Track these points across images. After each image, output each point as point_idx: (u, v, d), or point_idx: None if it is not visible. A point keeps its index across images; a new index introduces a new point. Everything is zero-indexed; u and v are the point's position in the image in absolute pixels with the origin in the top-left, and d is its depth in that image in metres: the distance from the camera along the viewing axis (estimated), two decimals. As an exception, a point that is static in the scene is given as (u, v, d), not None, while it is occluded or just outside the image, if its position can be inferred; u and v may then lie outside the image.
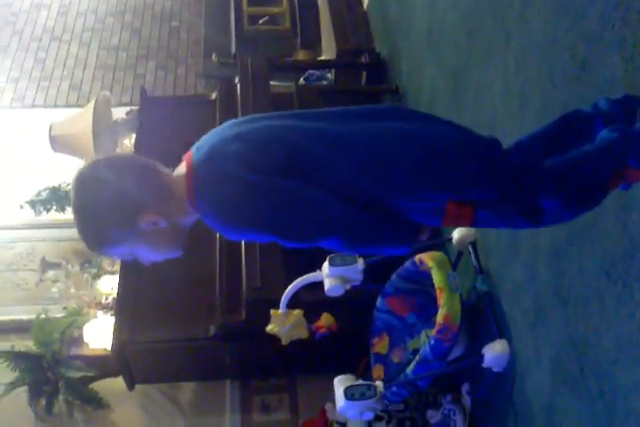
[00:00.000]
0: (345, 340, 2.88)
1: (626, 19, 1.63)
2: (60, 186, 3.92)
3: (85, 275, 3.72)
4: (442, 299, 2.36)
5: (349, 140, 1.31)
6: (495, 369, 2.30)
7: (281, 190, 1.25)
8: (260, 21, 4.97)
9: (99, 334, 3.32)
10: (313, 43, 4.86)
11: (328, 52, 4.57)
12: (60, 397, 3.29)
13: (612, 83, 1.69)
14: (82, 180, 1.30)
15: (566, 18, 1.91)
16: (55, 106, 4.79)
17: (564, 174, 1.36)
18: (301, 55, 4.69)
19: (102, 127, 3.89)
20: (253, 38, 4.89)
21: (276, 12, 5.04)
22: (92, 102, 3.98)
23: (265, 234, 1.29)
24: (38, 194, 3.93)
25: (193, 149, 1.36)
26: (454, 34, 2.87)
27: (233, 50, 4.67)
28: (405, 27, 3.62)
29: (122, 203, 1.27)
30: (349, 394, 2.24)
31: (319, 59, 4.51)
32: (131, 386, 3.16)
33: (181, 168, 1.33)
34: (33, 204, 3.92)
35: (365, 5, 4.43)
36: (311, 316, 2.70)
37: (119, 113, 4.13)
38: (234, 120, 1.41)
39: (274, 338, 2.64)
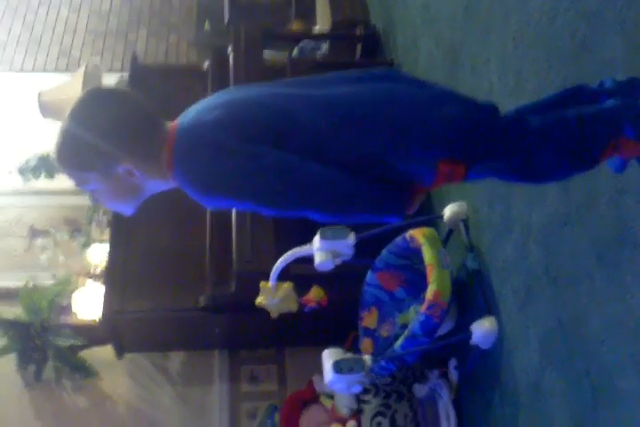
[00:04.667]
0: (334, 313, 2.89)
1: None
2: (48, 153, 3.87)
3: (74, 243, 3.70)
4: (431, 275, 2.38)
5: (336, 102, 1.30)
6: (483, 346, 2.32)
7: (261, 156, 1.23)
8: (255, -11, 4.87)
9: (88, 303, 3.32)
10: (307, 13, 4.78)
11: (323, 22, 4.50)
12: (49, 364, 3.30)
13: (611, 63, 1.68)
14: (99, 97, 1.30)
15: (568, -4, 1.89)
16: (44, 71, 4.71)
17: (558, 130, 1.35)
18: (295, 25, 4.62)
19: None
20: (247, 7, 4.80)
21: (271, -20, 4.94)
22: (82, 68, 3.92)
23: (243, 201, 1.27)
24: (27, 161, 3.89)
25: (179, 117, 1.35)
26: (451, 8, 2.83)
27: (226, 18, 4.59)
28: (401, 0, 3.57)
29: (117, 139, 1.26)
30: (338, 368, 2.26)
31: (314, 29, 4.44)
32: (119, 355, 3.18)
33: (168, 133, 1.32)
34: (22, 170, 3.88)
35: (362, -25, 4.35)
36: (301, 289, 2.71)
37: (109, 80, 4.06)
38: (222, 90, 1.40)
39: (263, 310, 2.66)
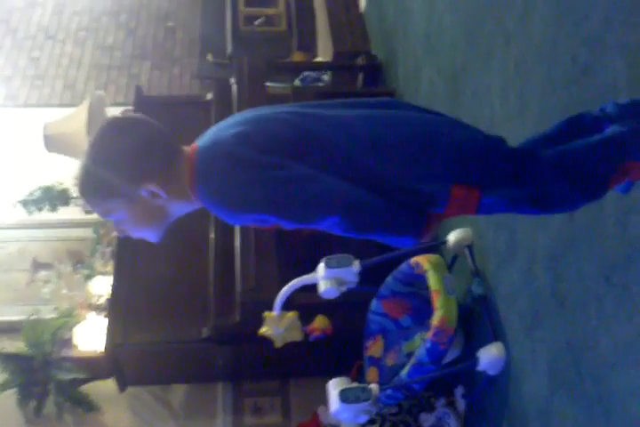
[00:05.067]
0: (339, 342, 2.86)
1: (629, 23, 1.62)
2: (53, 186, 3.89)
3: (77, 276, 3.69)
4: (437, 302, 2.36)
5: (352, 122, 1.32)
6: (490, 373, 2.29)
7: (284, 167, 1.24)
8: (257, 22, 4.96)
9: (90, 336, 3.29)
10: (309, 44, 4.85)
11: (324, 54, 4.56)
12: (51, 398, 3.25)
13: (613, 88, 1.68)
14: (117, 124, 1.31)
15: (568, 21, 1.90)
16: (49, 105, 4.75)
17: (569, 159, 1.35)
18: (297, 57, 4.68)
19: (97, 127, 3.86)
20: (249, 39, 4.88)
21: (273, 13, 5.03)
22: (87, 102, 3.96)
23: (265, 214, 1.26)
24: (31, 193, 3.90)
25: (198, 139, 1.36)
26: (453, 36, 2.87)
27: (229, 50, 4.66)
28: (403, 29, 3.61)
29: (138, 161, 1.26)
30: (344, 397, 2.22)
31: (315, 60, 4.49)
32: (122, 388, 3.13)
33: (188, 154, 1.32)
34: (25, 203, 3.88)
35: (362, 8, 4.43)
36: (305, 318, 2.68)
37: (114, 113, 4.10)
38: (237, 113, 1.41)
39: (267, 341, 2.63)
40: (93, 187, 1.28)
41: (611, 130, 1.43)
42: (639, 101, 1.51)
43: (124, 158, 1.26)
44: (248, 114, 1.37)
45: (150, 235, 1.37)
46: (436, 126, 1.35)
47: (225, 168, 1.26)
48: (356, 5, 4.47)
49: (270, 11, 5.08)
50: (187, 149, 1.34)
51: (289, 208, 1.25)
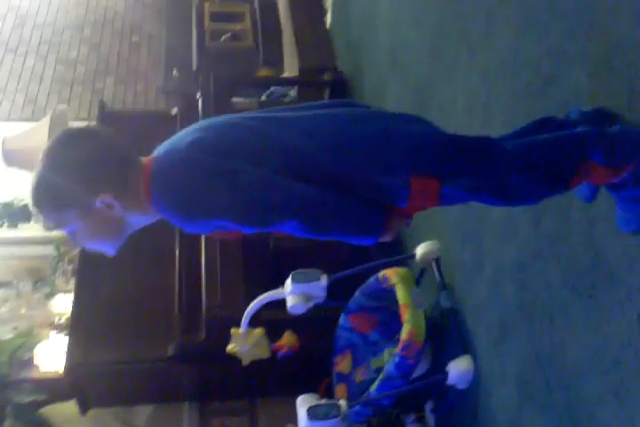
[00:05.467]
0: (307, 359, 2.82)
1: (589, 34, 1.64)
2: (12, 201, 3.80)
3: (38, 294, 3.60)
4: (406, 315, 2.34)
5: (306, 123, 1.32)
6: (460, 386, 2.27)
7: (240, 172, 1.22)
8: (223, 38, 4.94)
9: (51, 356, 3.20)
10: (275, 60, 4.85)
11: (290, 69, 4.56)
12: (8, 422, 3.14)
13: (576, 97, 1.69)
14: (72, 135, 1.29)
15: (530, 33, 1.92)
16: (9, 119, 4.66)
17: (530, 150, 1.35)
18: (263, 72, 4.66)
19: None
20: (215, 54, 4.85)
21: (239, 28, 5.02)
22: (49, 116, 3.89)
23: (223, 219, 1.25)
24: (-11, 210, 3.81)
25: (154, 151, 1.33)
26: (418, 50, 2.88)
27: (194, 66, 4.63)
28: (368, 45, 3.63)
29: (92, 170, 1.24)
30: (312, 414, 2.19)
31: (282, 76, 4.49)
32: (84, 410, 3.04)
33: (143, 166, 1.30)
34: (-17, 220, 3.79)
35: (328, 24, 4.44)
36: (273, 334, 2.64)
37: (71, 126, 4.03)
38: (194, 124, 1.39)
39: (234, 358, 2.58)
40: (46, 197, 1.25)
41: (574, 129, 1.44)
42: (601, 109, 1.52)
43: (77, 168, 1.23)
44: (203, 122, 1.36)
45: (106, 247, 1.33)
46: (392, 120, 1.36)
47: (180, 174, 1.24)
48: (322, 21, 4.49)
49: (237, 26, 5.07)
50: (145, 158, 1.31)
51: (246, 213, 1.23)
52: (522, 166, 1.32)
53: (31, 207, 1.29)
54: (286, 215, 1.22)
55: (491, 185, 1.33)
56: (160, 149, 1.32)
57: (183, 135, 1.32)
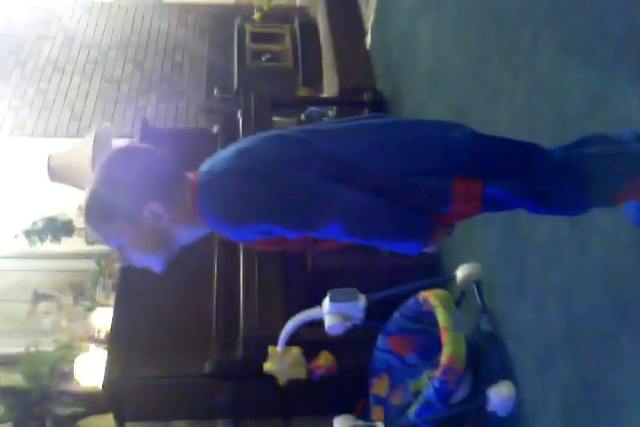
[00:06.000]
0: (344, 380, 2.80)
1: (639, 55, 1.62)
2: (56, 216, 3.88)
3: (78, 307, 3.65)
4: (446, 339, 2.31)
5: (348, 131, 1.35)
6: (500, 413, 2.22)
7: (285, 176, 1.26)
8: (263, 58, 5.00)
9: (90, 369, 3.23)
10: (314, 80, 4.89)
11: (329, 89, 4.59)
12: (47, 434, 3.18)
13: (625, 119, 1.67)
14: (121, 152, 1.33)
15: (577, 54, 1.90)
16: (55, 135, 4.77)
17: (578, 161, 1.35)
18: (302, 92, 4.71)
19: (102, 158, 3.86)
20: (255, 74, 4.92)
21: (279, 49, 5.09)
22: (93, 133, 3.96)
23: (269, 223, 1.27)
24: (34, 224, 3.88)
25: (201, 165, 1.38)
26: (459, 72, 2.88)
27: (235, 85, 4.70)
28: (408, 66, 3.64)
29: (142, 183, 1.27)
30: (350, 435, 2.17)
31: (321, 96, 4.52)
32: (120, 424, 3.06)
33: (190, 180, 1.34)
34: (28, 234, 3.86)
35: (368, 45, 4.47)
36: (310, 354, 2.63)
37: (120, 144, 4.10)
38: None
39: (270, 377, 2.57)
40: (96, 209, 1.29)
41: (626, 145, 1.42)
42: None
43: (127, 182, 1.27)
44: (246, 138, 1.40)
45: (154, 262, 1.35)
46: (433, 125, 1.39)
47: (226, 181, 1.28)
48: (362, 43, 4.52)
49: (277, 47, 5.13)
50: (190, 175, 1.35)
51: (292, 215, 1.25)
52: (566, 174, 1.32)
53: (83, 221, 1.34)
54: (331, 216, 1.24)
55: (533, 189, 1.32)
56: (207, 163, 1.36)
57: (229, 148, 1.36)
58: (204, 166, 1.35)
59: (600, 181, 1.33)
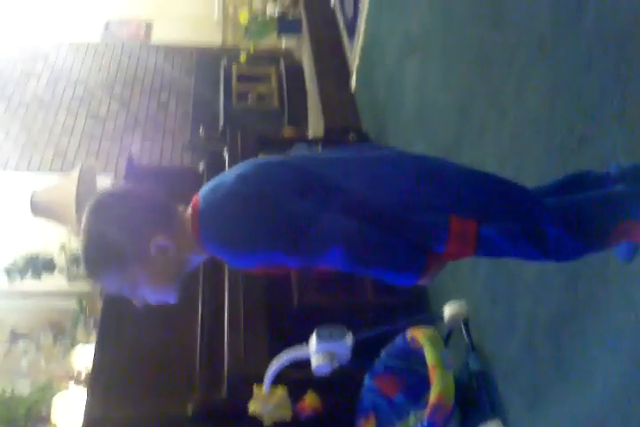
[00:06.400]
0: (330, 421, 2.74)
1: (625, 93, 1.66)
2: (38, 253, 3.83)
3: (58, 347, 3.56)
4: (435, 377, 2.28)
5: (348, 162, 1.35)
6: (490, 453, 2.19)
7: (284, 203, 1.26)
8: (249, 98, 5.06)
9: (69, 411, 3.14)
10: (300, 120, 4.95)
11: (315, 129, 4.64)
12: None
13: (612, 154, 1.70)
14: (103, 200, 1.30)
15: (563, 93, 1.95)
16: (39, 171, 4.75)
17: (569, 206, 1.36)
18: (288, 132, 4.75)
19: (86, 194, 3.84)
20: (241, 114, 4.97)
21: (265, 89, 5.15)
22: (77, 169, 3.95)
23: (271, 250, 1.26)
24: (15, 261, 3.83)
25: (200, 190, 1.37)
26: (445, 112, 2.92)
27: (221, 124, 4.74)
28: (394, 107, 3.70)
29: (140, 221, 1.26)
30: (338, 477, 2.11)
31: (307, 135, 4.56)
32: (99, 468, 2.96)
33: (189, 207, 1.33)
34: (8, 271, 3.80)
35: (354, 86, 4.54)
36: (295, 393, 2.59)
37: (104, 181, 4.09)
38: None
39: (255, 419, 2.52)
40: (102, 260, 1.28)
41: (613, 187, 1.45)
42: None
43: (124, 222, 1.26)
44: (247, 162, 1.39)
45: (168, 295, 1.34)
46: (433, 160, 1.39)
47: (226, 208, 1.28)
48: (348, 84, 4.59)
49: (263, 88, 5.20)
50: (182, 208, 1.34)
51: (294, 243, 1.25)
52: (561, 221, 1.32)
53: (88, 275, 1.31)
54: (331, 244, 1.23)
55: (529, 232, 1.32)
56: (206, 187, 1.35)
57: (228, 173, 1.35)
58: (205, 190, 1.34)
59: (593, 227, 1.34)
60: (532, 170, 2.12)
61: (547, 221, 1.32)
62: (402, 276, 1.29)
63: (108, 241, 1.25)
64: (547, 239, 1.32)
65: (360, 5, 4.31)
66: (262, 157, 1.42)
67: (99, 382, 2.92)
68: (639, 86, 1.61)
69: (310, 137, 4.56)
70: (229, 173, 1.34)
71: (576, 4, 1.89)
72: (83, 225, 1.28)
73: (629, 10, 1.66)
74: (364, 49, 4.30)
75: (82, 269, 1.36)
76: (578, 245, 1.37)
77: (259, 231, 1.25)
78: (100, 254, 1.27)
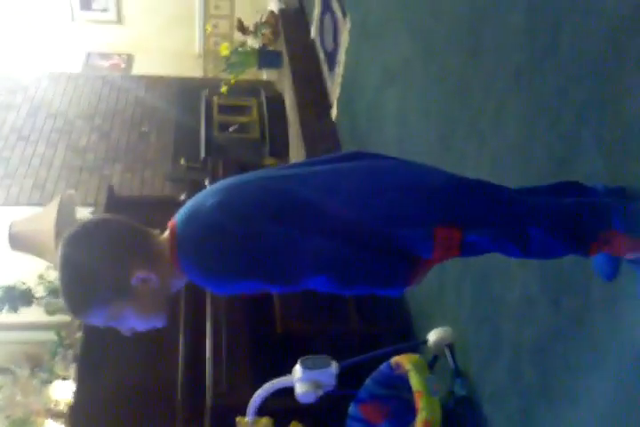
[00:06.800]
0: (315, 451, 2.70)
1: (602, 118, 1.70)
2: (15, 285, 3.77)
3: (35, 380, 3.49)
4: (420, 403, 2.26)
5: (323, 178, 1.34)
6: (478, 480, 2.17)
7: (263, 233, 1.24)
8: (230, 129, 5.09)
9: (45, 446, 3.06)
10: (281, 151, 4.98)
11: (296, 159, 4.67)
12: None
13: (592, 179, 1.72)
14: (75, 237, 1.27)
15: (542, 119, 1.98)
16: (17, 204, 4.71)
17: (553, 209, 1.37)
18: (269, 162, 4.78)
19: (65, 225, 3.80)
20: (222, 145, 4.99)
21: (246, 120, 5.19)
22: (57, 200, 3.92)
23: (251, 280, 1.26)
24: (-9, 292, 3.76)
25: (177, 213, 1.35)
26: (425, 140, 2.96)
27: (202, 155, 4.75)
28: (375, 135, 3.73)
29: (118, 257, 1.24)
30: None
31: (287, 165, 4.59)
32: None
33: (166, 234, 1.31)
34: (-18, 304, 3.74)
35: (334, 116, 4.59)
36: (280, 424, 2.55)
37: (83, 213, 4.06)
38: (214, 183, 1.41)
39: (239, 450, 2.47)
40: (85, 297, 1.25)
41: (601, 198, 1.48)
42: (624, 189, 1.55)
43: (101, 253, 1.25)
44: (221, 184, 1.38)
45: (158, 318, 1.32)
46: (411, 170, 1.38)
47: (206, 240, 1.26)
48: (329, 114, 4.64)
49: (244, 118, 5.23)
50: (157, 232, 1.33)
51: (273, 274, 1.25)
52: (544, 221, 1.34)
53: (72, 313, 1.30)
54: (314, 272, 1.23)
55: (512, 234, 1.33)
56: (181, 214, 1.33)
57: (203, 197, 1.33)
58: (181, 216, 1.32)
59: (576, 230, 1.36)
60: (512, 194, 2.15)
61: (531, 222, 1.33)
62: (389, 290, 1.30)
63: (88, 277, 1.24)
64: (529, 240, 1.34)
65: (340, 37, 4.38)
66: (234, 178, 1.39)
67: (79, 416, 2.86)
68: (615, 110, 1.65)
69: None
70: (204, 198, 1.32)
71: (551, 33, 1.94)
72: (59, 260, 1.26)
73: (603, 37, 1.71)
74: (344, 79, 4.36)
75: (61, 303, 1.33)
76: (560, 246, 1.38)
77: (240, 264, 1.24)
78: (81, 292, 1.25)
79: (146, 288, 1.26)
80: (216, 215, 1.27)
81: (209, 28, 6.29)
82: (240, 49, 5.32)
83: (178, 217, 1.33)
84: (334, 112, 4.61)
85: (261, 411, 2.41)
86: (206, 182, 3.79)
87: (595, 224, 1.37)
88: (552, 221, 1.35)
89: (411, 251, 1.28)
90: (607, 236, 1.36)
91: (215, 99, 5.32)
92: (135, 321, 1.30)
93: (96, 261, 1.24)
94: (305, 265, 1.23)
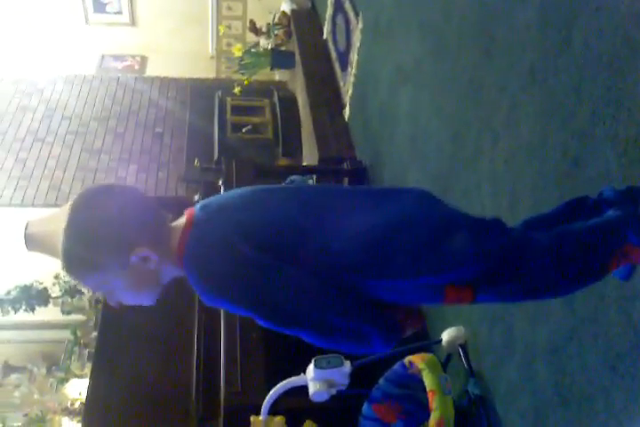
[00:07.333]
0: (329, 450, 2.71)
1: (617, 116, 1.69)
2: (31, 285, 3.80)
3: (51, 379, 3.52)
4: (434, 402, 2.25)
5: (345, 222, 1.29)
6: (493, 479, 2.16)
7: (273, 269, 1.21)
8: (244, 130, 5.10)
9: (61, 444, 3.09)
10: (294, 151, 4.98)
11: (309, 159, 4.67)
12: None
13: (606, 177, 1.72)
14: (89, 196, 1.25)
15: (556, 118, 1.97)
16: (33, 205, 4.75)
17: (565, 244, 1.33)
18: (283, 162, 4.79)
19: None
20: (236, 146, 5.00)
21: (259, 121, 5.20)
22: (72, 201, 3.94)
23: (243, 308, 1.23)
24: (8, 293, 3.80)
25: (197, 206, 1.32)
26: (439, 139, 2.95)
27: (215, 156, 4.77)
28: (388, 135, 3.73)
29: (124, 229, 1.21)
30: None
31: (301, 165, 4.60)
32: None
33: (180, 221, 1.28)
34: (1, 303, 3.77)
35: (347, 116, 4.59)
36: (293, 423, 2.55)
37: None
38: (246, 188, 1.38)
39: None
40: (80, 262, 1.22)
41: (608, 214, 1.44)
42: (634, 187, 1.54)
43: (107, 229, 1.20)
44: (253, 192, 1.35)
45: (147, 298, 1.31)
46: (441, 230, 1.29)
47: (216, 252, 1.22)
48: (342, 114, 4.64)
49: (257, 119, 5.25)
50: (170, 217, 1.29)
51: (269, 313, 1.22)
52: (558, 265, 1.31)
53: (65, 272, 1.27)
54: (299, 323, 1.21)
55: (525, 289, 1.31)
56: (203, 210, 1.29)
57: (232, 202, 1.31)
58: (204, 208, 1.29)
59: (591, 259, 1.33)
60: (527, 194, 2.14)
61: (543, 267, 1.30)
62: (380, 348, 1.27)
63: (90, 245, 1.20)
64: (543, 286, 1.32)
65: (352, 37, 4.38)
66: (269, 191, 1.36)
67: (94, 414, 2.87)
68: (629, 108, 1.65)
69: (305, 165, 4.59)
70: (234, 208, 1.29)
71: (564, 31, 1.94)
72: (65, 222, 1.23)
73: (616, 35, 1.70)
74: (356, 79, 4.36)
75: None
76: (575, 283, 1.37)
77: (237, 289, 1.21)
78: (80, 257, 1.21)
79: (142, 266, 1.24)
80: (235, 235, 1.22)
81: (222, 30, 6.32)
82: (253, 50, 5.34)
83: (199, 211, 1.29)
84: (347, 112, 4.61)
85: (275, 410, 2.42)
86: (220, 182, 3.80)
87: (610, 246, 1.34)
88: (567, 260, 1.31)
89: (415, 300, 1.28)
90: (624, 251, 1.34)
91: (228, 100, 5.34)
92: (124, 294, 1.28)
93: (102, 231, 1.20)
94: (300, 318, 1.21)
